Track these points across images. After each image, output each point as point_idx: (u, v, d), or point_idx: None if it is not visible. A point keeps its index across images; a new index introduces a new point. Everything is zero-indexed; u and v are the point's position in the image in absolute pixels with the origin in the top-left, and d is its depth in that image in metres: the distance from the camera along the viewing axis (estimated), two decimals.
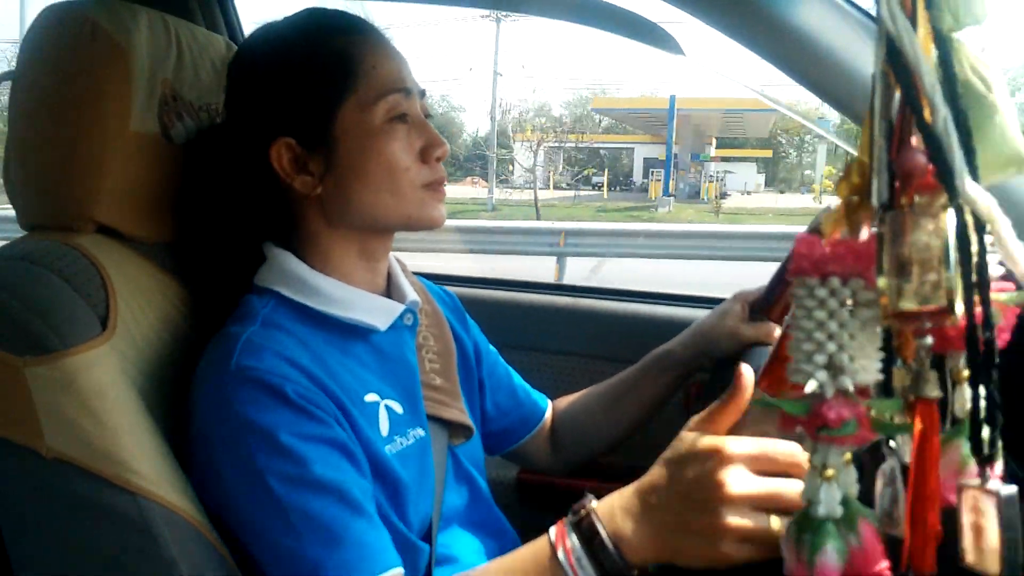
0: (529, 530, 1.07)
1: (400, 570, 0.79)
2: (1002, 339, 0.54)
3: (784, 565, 0.61)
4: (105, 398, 0.77)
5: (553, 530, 0.76)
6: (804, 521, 0.58)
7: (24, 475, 0.76)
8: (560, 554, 0.73)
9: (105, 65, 0.85)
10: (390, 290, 0.99)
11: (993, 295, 0.53)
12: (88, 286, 0.81)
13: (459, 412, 1.00)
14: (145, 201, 0.92)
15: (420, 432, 0.91)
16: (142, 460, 0.77)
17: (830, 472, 0.55)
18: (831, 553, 0.56)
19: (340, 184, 0.88)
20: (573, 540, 0.73)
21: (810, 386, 0.51)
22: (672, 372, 1.17)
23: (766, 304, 1.17)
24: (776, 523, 0.68)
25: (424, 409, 0.94)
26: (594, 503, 0.75)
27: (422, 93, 0.93)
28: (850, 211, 0.49)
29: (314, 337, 0.86)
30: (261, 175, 0.89)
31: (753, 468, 0.69)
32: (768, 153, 44.54)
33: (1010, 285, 0.52)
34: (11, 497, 0.78)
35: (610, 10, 1.16)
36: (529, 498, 1.48)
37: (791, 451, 0.70)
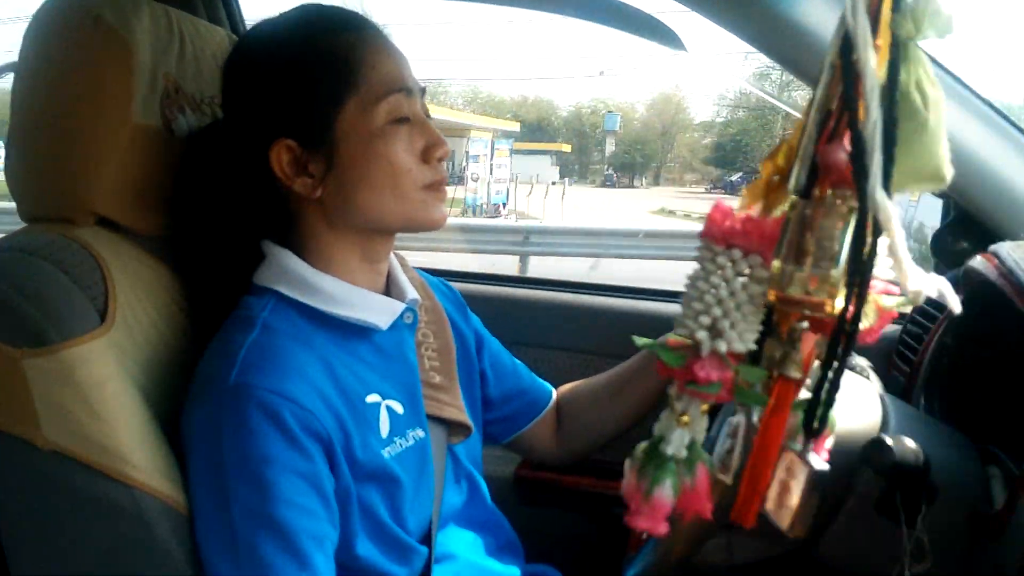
0: (527, 526, 1.08)
1: None
2: (872, 337, 0.57)
3: (623, 486, 0.66)
4: (103, 390, 0.76)
5: None
6: (652, 454, 0.62)
7: (20, 467, 0.76)
8: None
9: (107, 57, 0.84)
10: (390, 288, 0.97)
11: (878, 298, 0.56)
12: (87, 278, 0.80)
13: (457, 411, 0.98)
14: (146, 194, 0.90)
15: (420, 433, 0.91)
16: (139, 453, 0.77)
17: (686, 419, 0.59)
18: (668, 488, 0.61)
19: (341, 186, 0.85)
20: None
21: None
22: None
23: None
24: None
25: (423, 409, 0.93)
26: None
27: (422, 91, 0.91)
28: (769, 191, 0.51)
29: (316, 337, 0.85)
30: (260, 176, 0.86)
31: None
32: (566, 147, 45.97)
33: (896, 290, 0.55)
34: (7, 489, 0.78)
35: (615, 6, 1.12)
36: (526, 495, 1.48)
37: None
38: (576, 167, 48.63)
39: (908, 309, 0.64)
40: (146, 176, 0.89)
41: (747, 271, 0.51)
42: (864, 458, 0.64)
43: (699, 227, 0.54)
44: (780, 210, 0.51)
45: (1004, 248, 0.90)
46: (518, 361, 1.18)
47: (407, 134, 0.86)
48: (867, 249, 0.47)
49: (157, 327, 0.87)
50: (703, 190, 39.75)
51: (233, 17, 1.51)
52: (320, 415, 0.79)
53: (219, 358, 0.80)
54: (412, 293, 0.95)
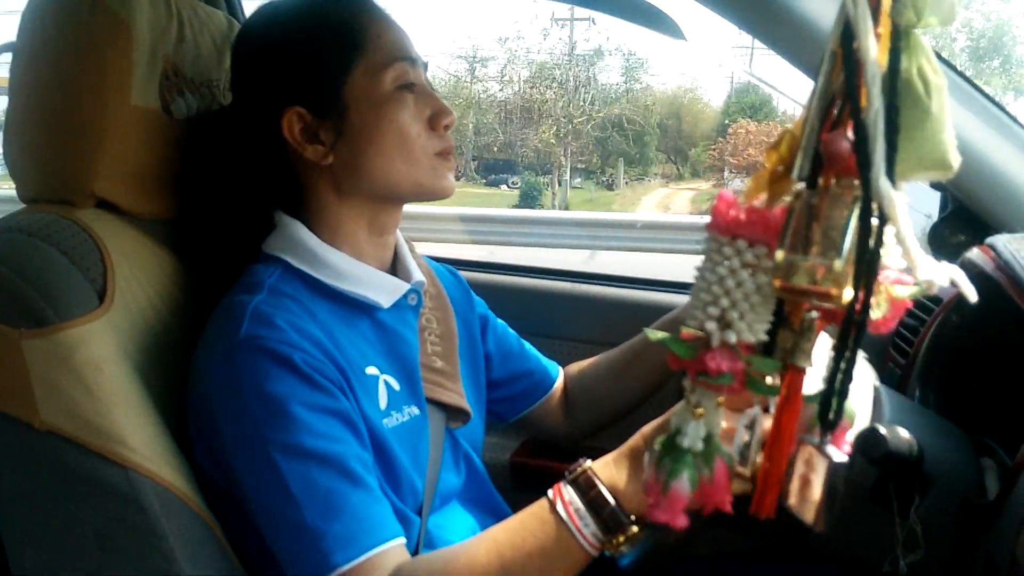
0: None
1: (402, 539, 0.80)
2: (887, 327, 0.57)
3: (643, 479, 0.66)
4: (100, 372, 0.76)
5: (551, 491, 0.77)
6: (669, 446, 0.62)
7: (17, 447, 0.76)
8: (559, 508, 0.75)
9: (106, 38, 0.84)
10: (396, 267, 0.98)
11: (890, 287, 0.56)
12: (86, 260, 0.81)
13: (458, 396, 1.00)
14: (145, 176, 0.91)
15: (415, 410, 0.92)
16: (135, 435, 0.77)
17: (700, 411, 0.59)
18: (685, 481, 0.61)
19: (352, 152, 0.87)
20: (571, 494, 0.75)
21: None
22: None
23: None
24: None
25: (422, 389, 0.95)
26: (588, 462, 0.78)
27: (425, 65, 0.93)
28: (773, 180, 0.51)
29: (319, 307, 0.86)
30: (272, 146, 0.89)
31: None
32: None
33: (909, 279, 0.54)
34: (3, 469, 0.78)
35: None
36: (522, 481, 1.48)
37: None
38: None
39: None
40: (145, 158, 0.89)
41: (752, 261, 0.51)
42: (858, 448, 0.64)
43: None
44: (785, 200, 0.51)
45: (1000, 241, 0.90)
46: (525, 342, 1.19)
47: (413, 102, 0.88)
48: (872, 238, 0.47)
49: (156, 308, 0.87)
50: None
51: (231, 0, 1.50)
52: (328, 370, 0.81)
53: (226, 318, 0.82)
54: (418, 275, 0.97)
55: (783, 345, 0.55)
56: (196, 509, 0.80)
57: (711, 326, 0.53)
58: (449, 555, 0.80)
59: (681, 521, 0.61)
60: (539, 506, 0.77)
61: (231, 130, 0.92)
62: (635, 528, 0.74)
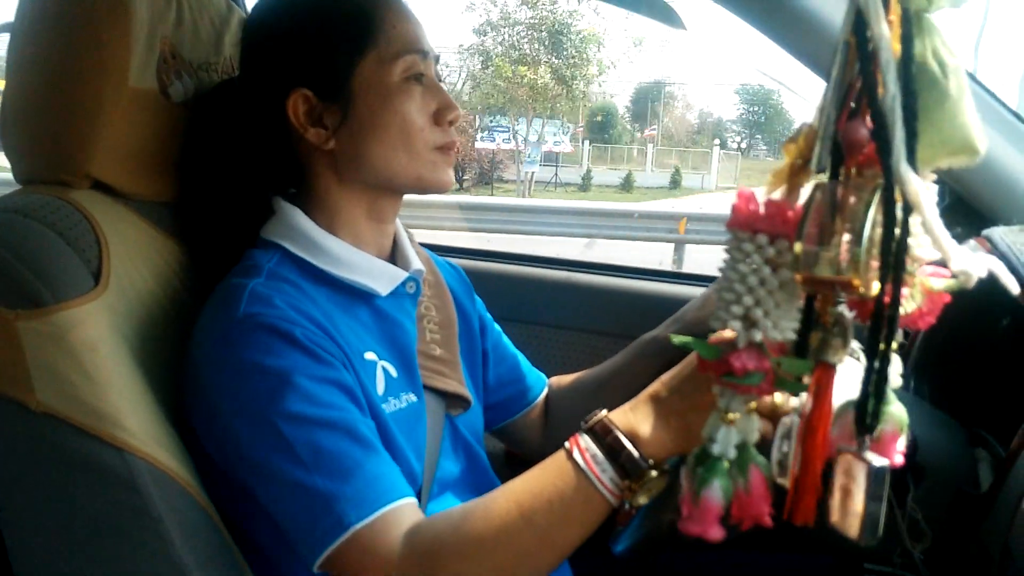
0: None
1: (412, 500, 0.80)
2: (925, 322, 0.55)
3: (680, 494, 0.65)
4: (96, 353, 0.77)
5: (568, 441, 0.77)
6: (701, 456, 0.61)
7: (13, 429, 0.77)
8: (576, 455, 0.75)
9: (104, 19, 0.84)
10: (395, 256, 0.99)
11: (925, 280, 0.54)
12: (82, 241, 0.81)
13: (457, 383, 1.00)
14: (142, 158, 0.91)
15: (412, 397, 0.92)
16: (131, 417, 0.77)
17: (731, 416, 0.58)
18: (716, 489, 0.59)
19: (354, 139, 0.88)
20: (587, 441, 0.75)
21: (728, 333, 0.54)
22: (658, 358, 1.14)
23: None
24: (779, 397, 0.71)
25: (419, 376, 0.95)
26: (604, 411, 0.78)
27: (436, 58, 0.94)
28: (793, 173, 0.50)
29: (317, 294, 0.87)
30: (275, 127, 0.89)
31: None
32: None
33: (946, 272, 0.53)
34: (1, 451, 0.79)
35: None
36: (517, 471, 1.47)
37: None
38: None
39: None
40: (142, 140, 0.90)
41: (774, 256, 0.50)
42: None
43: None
44: (806, 193, 0.50)
45: (997, 233, 0.90)
46: (517, 351, 1.20)
47: (420, 94, 0.90)
48: (898, 227, 0.46)
49: (152, 290, 0.88)
50: None
51: None
52: (329, 345, 0.81)
53: (224, 299, 0.83)
54: (416, 264, 0.98)
55: (815, 345, 0.53)
56: (192, 492, 0.81)
57: (736, 325, 0.52)
58: (467, 508, 0.80)
59: (715, 533, 0.59)
60: (556, 455, 0.77)
61: (236, 105, 0.93)
62: (654, 473, 0.73)
